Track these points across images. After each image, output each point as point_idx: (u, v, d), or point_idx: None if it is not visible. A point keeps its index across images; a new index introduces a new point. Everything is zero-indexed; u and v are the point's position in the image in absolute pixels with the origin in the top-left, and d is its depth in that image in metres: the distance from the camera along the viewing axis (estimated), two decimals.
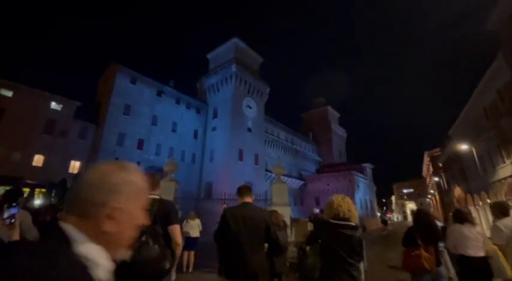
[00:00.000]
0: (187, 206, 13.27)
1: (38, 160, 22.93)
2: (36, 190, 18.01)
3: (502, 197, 18.48)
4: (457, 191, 30.16)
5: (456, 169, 27.48)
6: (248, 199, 2.62)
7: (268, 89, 40.78)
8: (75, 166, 25.28)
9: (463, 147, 18.45)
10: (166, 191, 10.56)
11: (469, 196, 25.70)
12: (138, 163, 29.01)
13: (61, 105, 24.99)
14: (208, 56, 41.56)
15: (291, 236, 10.55)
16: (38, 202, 14.43)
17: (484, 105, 17.83)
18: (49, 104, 24.16)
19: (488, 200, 20.64)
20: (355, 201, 42.73)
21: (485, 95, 17.47)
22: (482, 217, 24.81)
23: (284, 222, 7.05)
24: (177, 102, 34.56)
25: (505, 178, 16.85)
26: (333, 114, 66.49)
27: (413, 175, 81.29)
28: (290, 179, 43.24)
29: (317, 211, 12.84)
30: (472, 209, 26.44)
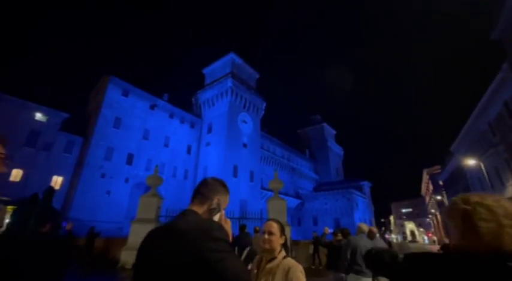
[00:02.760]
0: None
1: (16, 174, 21.23)
2: (8, 207, 16.30)
3: None
4: None
5: (460, 187, 26.39)
6: (194, 207, 1.05)
7: (264, 105, 40.30)
8: (57, 181, 23.54)
9: (471, 162, 17.51)
10: (148, 207, 9.18)
11: None
12: (127, 179, 27.40)
13: (47, 117, 23.72)
14: (204, 71, 41.38)
15: None
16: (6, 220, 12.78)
17: (489, 119, 17.16)
18: (33, 115, 22.88)
19: None
20: (354, 221, 40.91)
21: (490, 108, 16.87)
22: None
23: (286, 245, 5.75)
24: (171, 116, 33.60)
25: None
26: (330, 131, 66.16)
27: (412, 194, 79.94)
28: (287, 197, 41.54)
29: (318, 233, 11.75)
30: None
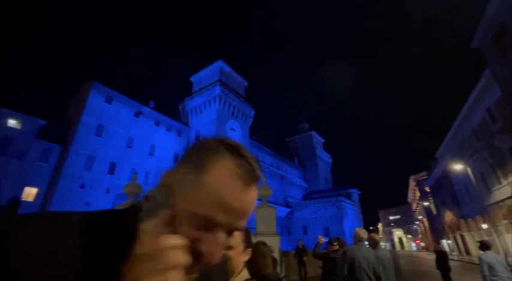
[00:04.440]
0: None
1: None
2: None
3: (500, 221, 17.45)
4: (448, 216, 29.18)
5: (446, 193, 26.72)
6: None
7: (253, 112, 40.07)
8: (30, 192, 21.93)
9: (456, 168, 17.69)
10: None
11: (462, 220, 24.66)
12: (108, 189, 25.99)
13: (21, 124, 22.32)
14: (192, 78, 40.91)
15: (281, 273, 8.47)
16: None
17: (473, 125, 17.51)
18: (5, 121, 21.46)
19: (484, 225, 19.54)
20: (344, 229, 40.60)
21: (474, 114, 17.24)
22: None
23: (273, 258, 5.17)
24: (157, 124, 32.63)
25: (503, 200, 15.90)
26: (318, 139, 66.61)
27: (399, 201, 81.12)
28: (277, 206, 40.83)
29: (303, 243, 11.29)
30: (466, 235, 25.23)
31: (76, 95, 29.77)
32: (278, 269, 7.54)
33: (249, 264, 1.09)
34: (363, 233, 3.24)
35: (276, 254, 7.62)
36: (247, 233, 1.12)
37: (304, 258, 10.17)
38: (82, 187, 24.08)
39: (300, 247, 10.90)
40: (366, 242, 3.25)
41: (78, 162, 24.24)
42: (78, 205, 23.11)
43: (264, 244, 2.04)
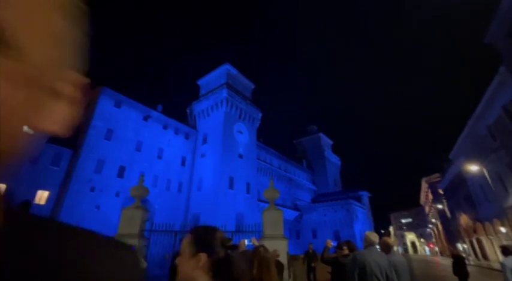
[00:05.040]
0: (162, 240, 10.89)
1: None
2: None
3: None
4: (464, 219, 28.12)
5: (461, 195, 25.78)
6: None
7: (260, 115, 39.98)
8: (42, 196, 22.40)
9: (472, 168, 17.00)
10: (131, 221, 8.37)
11: (478, 224, 23.70)
12: (118, 192, 26.31)
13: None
14: (199, 82, 41.25)
15: (289, 278, 8.24)
16: None
17: (489, 124, 16.84)
18: None
19: (503, 229, 18.68)
20: (354, 232, 39.74)
21: (489, 112, 16.58)
22: (496, 248, 22.57)
23: (279, 262, 4.98)
24: (165, 127, 32.96)
25: None
26: (326, 141, 65.89)
27: (411, 204, 79.09)
28: (285, 209, 40.43)
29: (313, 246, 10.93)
30: (483, 239, 24.22)
31: (86, 100, 30.39)
32: (286, 274, 7.34)
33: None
34: (374, 237, 3.01)
35: (284, 259, 7.41)
36: (200, 236, 0.91)
37: (313, 264, 9.73)
38: (92, 190, 24.45)
39: (310, 251, 10.43)
40: (378, 247, 3.03)
41: (89, 166, 24.67)
42: (89, 208, 23.48)
43: (264, 248, 1.87)
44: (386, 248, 3.12)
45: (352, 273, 2.71)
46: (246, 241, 6.64)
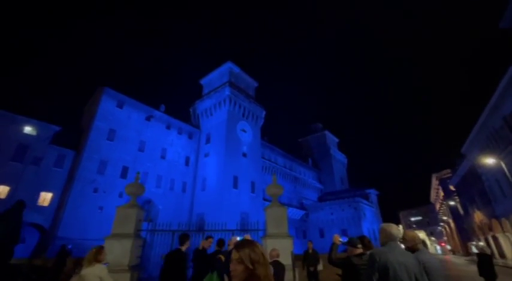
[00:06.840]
0: (164, 241, 10.40)
1: (1, 191, 20.04)
2: None
3: None
4: (478, 216, 26.97)
5: (475, 191, 24.69)
6: None
7: (264, 113, 39.38)
8: (46, 197, 22.25)
9: (488, 162, 16.06)
10: (125, 220, 7.89)
11: (494, 221, 22.62)
12: (121, 193, 26.03)
13: (37, 130, 22.80)
14: (202, 81, 40.92)
15: (294, 280, 7.59)
16: None
17: (505, 114, 15.90)
18: (22, 129, 21.97)
19: None
20: (362, 231, 38.75)
21: (504, 103, 15.66)
22: None
23: (278, 263, 4.38)
24: (168, 127, 32.66)
25: None
26: (332, 139, 64.85)
27: (421, 201, 77.24)
28: (291, 208, 39.72)
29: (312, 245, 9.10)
30: (500, 236, 23.10)
31: (89, 101, 30.35)
32: (290, 275, 6.72)
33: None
34: (396, 230, 2.27)
35: (287, 259, 6.81)
36: None
37: (311, 268, 7.94)
38: (95, 191, 24.22)
39: (310, 251, 8.29)
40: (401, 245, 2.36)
41: (91, 167, 24.46)
42: (92, 210, 23.24)
43: (251, 242, 1.27)
44: (413, 245, 2.45)
45: (370, 277, 2.08)
46: (248, 236, 6.06)
